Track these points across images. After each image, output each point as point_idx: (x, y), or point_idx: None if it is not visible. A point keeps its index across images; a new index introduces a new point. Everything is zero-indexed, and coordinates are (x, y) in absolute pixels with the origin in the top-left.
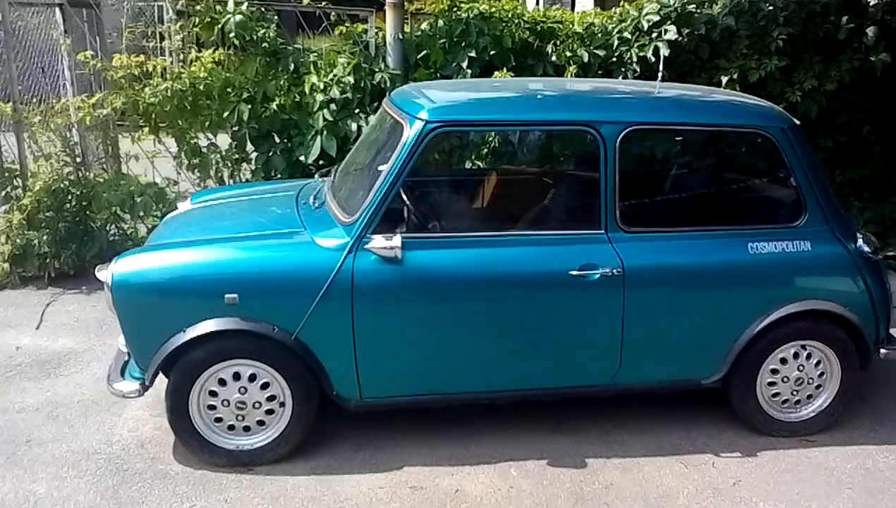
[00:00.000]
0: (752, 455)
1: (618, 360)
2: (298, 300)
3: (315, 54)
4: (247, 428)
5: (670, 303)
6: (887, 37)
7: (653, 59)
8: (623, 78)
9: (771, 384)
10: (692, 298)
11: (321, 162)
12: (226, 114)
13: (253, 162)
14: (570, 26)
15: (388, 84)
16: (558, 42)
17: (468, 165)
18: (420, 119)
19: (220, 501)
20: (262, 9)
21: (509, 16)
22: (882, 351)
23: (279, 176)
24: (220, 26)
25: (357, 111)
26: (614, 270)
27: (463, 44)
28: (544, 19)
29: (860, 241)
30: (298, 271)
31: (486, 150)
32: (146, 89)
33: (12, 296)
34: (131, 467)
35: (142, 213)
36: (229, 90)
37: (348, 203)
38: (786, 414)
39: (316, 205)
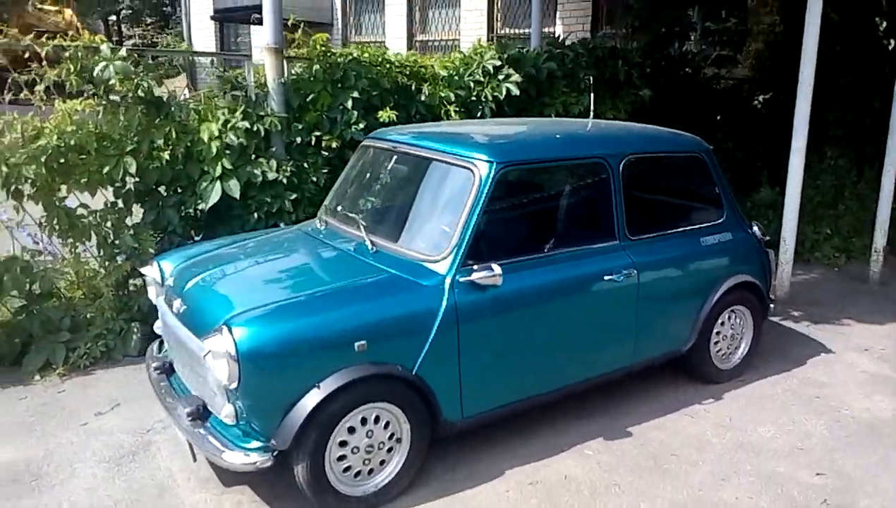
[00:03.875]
0: (719, 399)
1: (633, 344)
2: (417, 337)
3: (193, 101)
4: (370, 471)
5: (663, 290)
6: (647, 76)
7: (501, 98)
8: (481, 115)
9: (716, 343)
10: (675, 284)
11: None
12: (106, 170)
13: (139, 218)
14: (433, 69)
15: (278, 128)
16: (426, 84)
17: (513, 198)
18: (487, 161)
19: None
20: (137, 55)
21: (379, 60)
22: (770, 306)
23: (173, 230)
24: (96, 73)
25: (254, 156)
26: (631, 271)
27: (342, 85)
28: (410, 63)
29: (755, 228)
30: (415, 310)
31: (528, 183)
32: None
33: None
34: None
35: (14, 293)
36: (106, 144)
37: (422, 243)
38: (724, 363)
39: (373, 249)
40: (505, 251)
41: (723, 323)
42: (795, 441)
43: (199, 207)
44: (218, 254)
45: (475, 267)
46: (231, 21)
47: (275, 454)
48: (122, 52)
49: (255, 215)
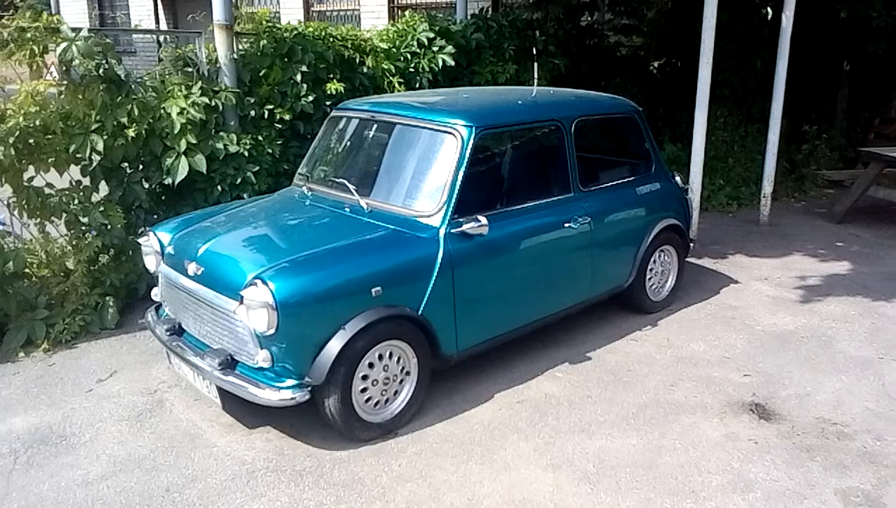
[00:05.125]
0: (655, 325)
1: (590, 281)
2: (420, 282)
3: (148, 77)
4: (387, 400)
5: (610, 233)
6: (560, 45)
7: (437, 69)
8: (419, 85)
9: (650, 278)
10: (620, 227)
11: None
12: (72, 148)
13: (106, 194)
14: (372, 42)
15: (233, 102)
16: (367, 56)
17: (487, 158)
18: (467, 125)
19: (414, 455)
20: (94, 35)
21: (322, 35)
22: (691, 245)
23: (140, 205)
24: (58, 54)
25: (214, 131)
26: (586, 218)
27: (289, 60)
28: (352, 37)
29: (677, 178)
30: (418, 258)
31: (499, 144)
32: None
33: None
34: (313, 468)
35: None
36: (71, 123)
37: (414, 201)
38: (657, 296)
39: (368, 208)
40: (484, 204)
41: (655, 261)
42: (722, 352)
43: (165, 182)
44: (217, 221)
45: (461, 219)
46: None
47: (310, 389)
48: (84, 31)
49: (219, 187)
